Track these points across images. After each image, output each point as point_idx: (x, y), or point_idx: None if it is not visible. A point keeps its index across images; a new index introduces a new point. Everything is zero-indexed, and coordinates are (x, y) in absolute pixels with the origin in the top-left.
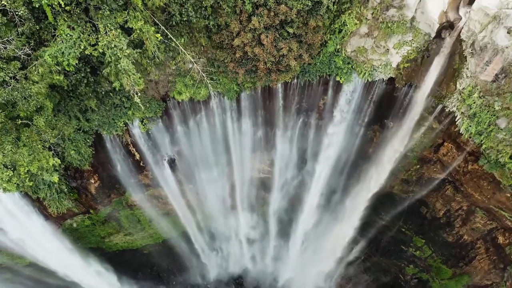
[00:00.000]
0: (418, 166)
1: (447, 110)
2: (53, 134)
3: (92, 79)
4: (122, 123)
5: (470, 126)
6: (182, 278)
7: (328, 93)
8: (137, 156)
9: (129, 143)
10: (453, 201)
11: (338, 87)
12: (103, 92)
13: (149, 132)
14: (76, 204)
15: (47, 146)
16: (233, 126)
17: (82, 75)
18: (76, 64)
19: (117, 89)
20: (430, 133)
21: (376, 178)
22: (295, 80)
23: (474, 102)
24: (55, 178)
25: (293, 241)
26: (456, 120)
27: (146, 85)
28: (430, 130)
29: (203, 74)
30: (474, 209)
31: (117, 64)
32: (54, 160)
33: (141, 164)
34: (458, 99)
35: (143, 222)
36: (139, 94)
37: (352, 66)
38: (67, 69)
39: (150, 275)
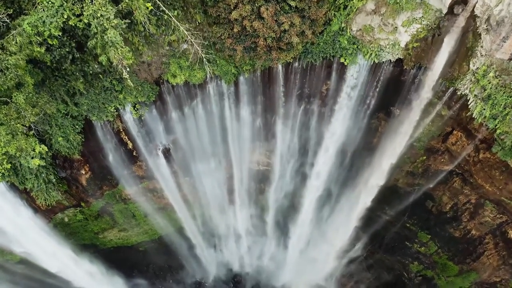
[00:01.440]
0: (424, 157)
1: (458, 93)
2: (33, 112)
3: (78, 56)
4: (113, 108)
5: (484, 109)
6: (179, 276)
7: (332, 77)
8: (130, 145)
9: (121, 130)
10: (461, 194)
11: (342, 70)
12: (91, 73)
13: (142, 119)
14: (66, 197)
15: (27, 126)
16: (231, 113)
17: (67, 50)
18: (59, 36)
19: (104, 63)
20: (439, 120)
21: (379, 173)
22: (297, 63)
23: (489, 83)
24: (36, 161)
25: (292, 239)
26: (468, 103)
27: (138, 67)
28: (439, 117)
29: (198, 47)
30: (483, 202)
31: (103, 36)
32: (40, 147)
33: (134, 153)
34: (471, 80)
35: (138, 217)
36: (128, 69)
37: (357, 47)
38: (49, 42)
39: (147, 273)
